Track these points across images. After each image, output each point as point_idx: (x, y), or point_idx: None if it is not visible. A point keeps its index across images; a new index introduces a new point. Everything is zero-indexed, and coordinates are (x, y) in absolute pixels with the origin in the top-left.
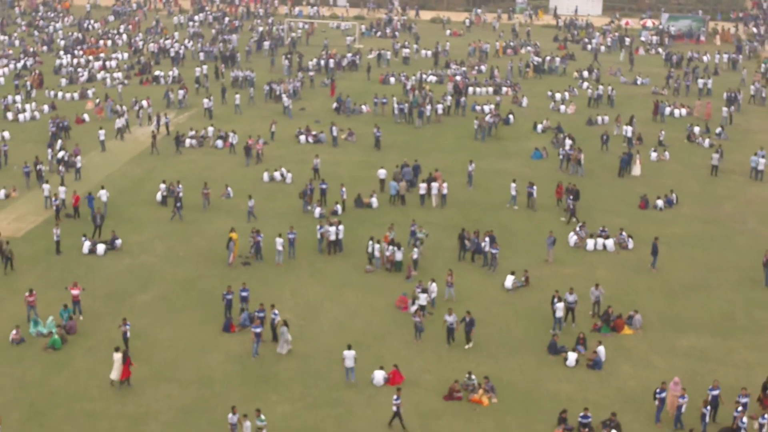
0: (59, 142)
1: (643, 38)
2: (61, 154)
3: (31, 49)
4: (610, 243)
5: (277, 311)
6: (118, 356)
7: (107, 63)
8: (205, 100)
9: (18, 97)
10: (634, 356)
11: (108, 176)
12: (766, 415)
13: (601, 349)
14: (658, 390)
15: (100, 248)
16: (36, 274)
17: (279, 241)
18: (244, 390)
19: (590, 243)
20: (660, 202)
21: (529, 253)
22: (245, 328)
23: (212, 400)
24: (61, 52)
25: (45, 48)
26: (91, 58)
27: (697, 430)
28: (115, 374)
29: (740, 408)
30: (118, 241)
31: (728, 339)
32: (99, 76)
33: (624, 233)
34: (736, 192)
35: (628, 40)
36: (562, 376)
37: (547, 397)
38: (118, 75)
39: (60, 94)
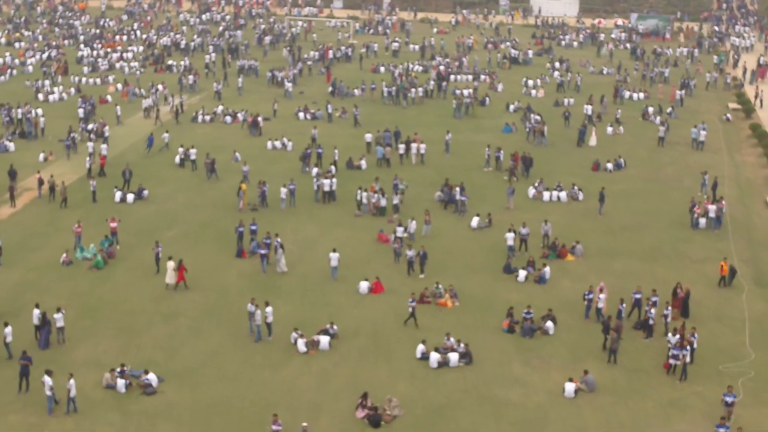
0: (88, 117)
1: (613, 35)
2: (91, 126)
3: (54, 43)
4: (563, 195)
5: (279, 239)
6: (171, 264)
7: (124, 54)
8: (215, 84)
9: (47, 82)
10: (573, 275)
11: (132, 144)
12: (668, 308)
13: (546, 269)
14: (586, 292)
15: (130, 197)
16: (78, 215)
17: (283, 190)
18: (254, 296)
19: (546, 195)
20: (610, 165)
21: (493, 203)
22: (254, 255)
23: (228, 303)
24: (82, 45)
25: (66, 42)
26: (109, 50)
27: (614, 320)
28: (170, 279)
29: (650, 305)
30: (145, 192)
31: (653, 264)
32: (117, 65)
33: (576, 187)
34: (677, 159)
35: (602, 36)
36: (512, 289)
37: (499, 302)
38: (135, 64)
39: (83, 79)
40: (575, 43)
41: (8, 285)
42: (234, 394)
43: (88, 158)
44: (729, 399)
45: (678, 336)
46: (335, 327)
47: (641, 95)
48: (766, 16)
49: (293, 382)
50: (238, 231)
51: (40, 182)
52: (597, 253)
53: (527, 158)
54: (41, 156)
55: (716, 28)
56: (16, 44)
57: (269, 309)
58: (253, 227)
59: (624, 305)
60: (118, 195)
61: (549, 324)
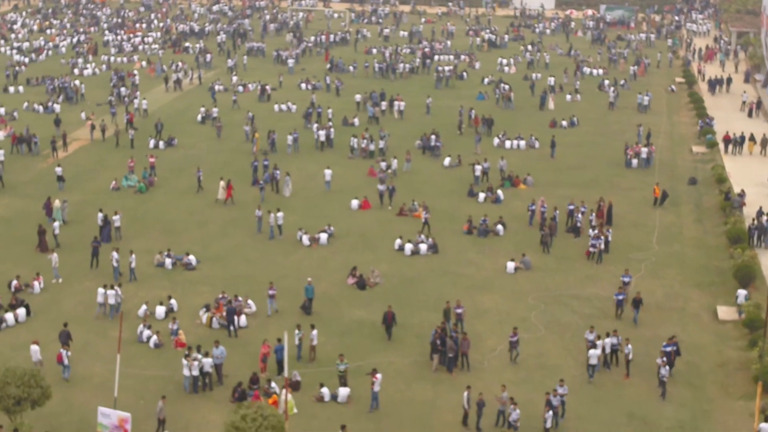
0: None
1: (584, 24)
2: (123, 90)
3: (81, 29)
4: (522, 143)
5: (289, 174)
6: (222, 183)
7: (145, 39)
8: (229, 60)
9: (80, 60)
10: (523, 197)
11: (160, 107)
12: (593, 215)
13: (500, 192)
14: (530, 204)
15: (162, 144)
16: (121, 156)
17: (289, 137)
18: (263, 207)
19: (508, 143)
20: (565, 123)
21: (463, 149)
22: (267, 184)
23: (247, 215)
24: (106, 32)
25: (92, 29)
26: (131, 35)
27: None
28: (220, 195)
29: (580, 214)
30: (175, 141)
31: (591, 191)
32: (140, 47)
33: (533, 137)
34: (623, 119)
35: (573, 24)
36: (473, 207)
37: (462, 215)
38: (155, 47)
39: (112, 58)
40: (548, 31)
41: (72, 203)
42: (254, 271)
43: (126, 114)
44: (626, 279)
45: (596, 231)
46: (332, 228)
47: (600, 71)
48: (722, 9)
49: (299, 264)
50: (253, 165)
51: (92, 128)
52: (545, 183)
53: (488, 119)
54: (83, 115)
55: (676, 18)
56: (47, 31)
57: (280, 214)
58: (266, 162)
59: (558, 212)
60: (152, 142)
61: (499, 227)
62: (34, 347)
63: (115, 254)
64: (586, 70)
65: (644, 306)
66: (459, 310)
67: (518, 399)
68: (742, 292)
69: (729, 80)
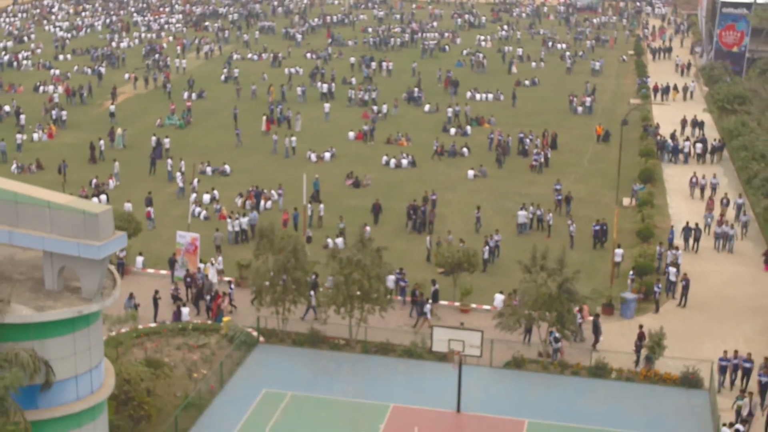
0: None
1: (557, 10)
2: (158, 57)
3: (111, 12)
4: (490, 96)
5: (299, 113)
6: (264, 118)
7: (169, 19)
8: (244, 36)
9: (115, 35)
10: (486, 132)
11: (190, 70)
12: (538, 140)
13: (468, 127)
14: (489, 134)
15: (194, 96)
16: (162, 104)
17: (299, 89)
18: (279, 134)
19: (478, 96)
20: (527, 82)
21: (441, 99)
22: (281, 122)
23: (266, 142)
24: (134, 14)
25: (121, 12)
26: (156, 17)
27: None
28: (263, 127)
29: (528, 140)
30: (204, 94)
31: (541, 128)
32: (166, 26)
33: (499, 92)
34: (576, 80)
35: (546, 9)
36: (445, 138)
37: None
38: (179, 25)
39: (142, 35)
40: (524, 14)
41: (128, 135)
42: (275, 176)
43: (163, 74)
44: (557, 187)
45: (539, 150)
46: (334, 149)
47: (564, 46)
48: None
49: (309, 174)
50: (270, 108)
51: (135, 80)
52: (505, 123)
53: (454, 81)
54: (126, 76)
55: (637, 3)
56: (82, 14)
57: (294, 138)
58: (280, 107)
59: (510, 138)
60: (185, 94)
61: (465, 150)
62: (128, 204)
63: (169, 161)
64: (551, 44)
65: (574, 200)
66: (434, 197)
67: (468, 244)
68: (638, 186)
69: (669, 49)
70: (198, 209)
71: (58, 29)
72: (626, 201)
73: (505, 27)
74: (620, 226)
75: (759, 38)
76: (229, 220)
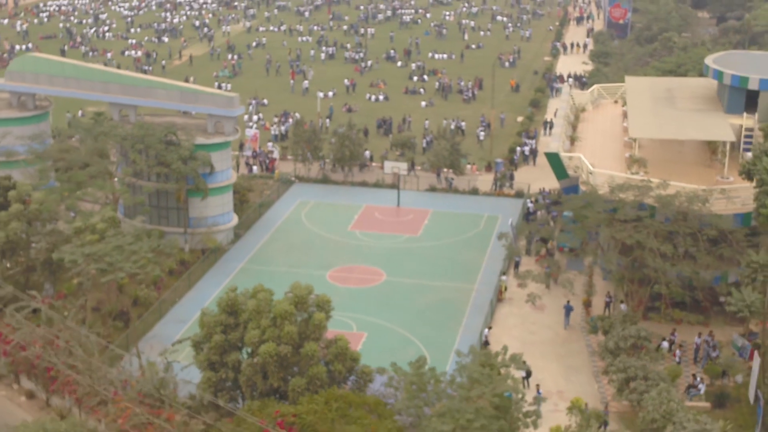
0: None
1: None
2: (206, 29)
3: None
4: (445, 56)
5: (311, 67)
6: (290, 70)
7: (207, 1)
8: (266, 13)
9: (167, 14)
10: (438, 79)
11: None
12: (470, 83)
13: (425, 76)
14: (438, 79)
15: (236, 57)
16: (213, 63)
17: (311, 51)
18: (296, 78)
19: (437, 56)
20: (473, 46)
21: (428, 62)
22: (299, 74)
23: (284, 86)
24: None
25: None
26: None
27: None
28: (290, 77)
29: (462, 81)
30: (242, 55)
31: (480, 75)
32: (204, 6)
33: (452, 53)
34: (512, 44)
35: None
36: (411, 83)
37: (403, 86)
38: (214, 5)
39: (188, 12)
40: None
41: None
42: (296, 107)
43: (211, 41)
44: (482, 119)
45: (470, 89)
46: (335, 89)
47: (505, 18)
48: None
49: (317, 104)
50: (290, 64)
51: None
52: (453, 73)
53: (409, 50)
54: (183, 43)
55: None
56: None
57: (306, 82)
58: (296, 63)
59: (452, 82)
60: (229, 56)
61: (422, 90)
62: None
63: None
64: (498, 17)
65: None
66: (409, 119)
67: (417, 140)
68: (530, 109)
69: (581, 18)
70: (252, 122)
71: (122, 9)
72: (519, 118)
73: (466, 4)
74: (513, 129)
75: (638, 13)
76: (272, 128)
